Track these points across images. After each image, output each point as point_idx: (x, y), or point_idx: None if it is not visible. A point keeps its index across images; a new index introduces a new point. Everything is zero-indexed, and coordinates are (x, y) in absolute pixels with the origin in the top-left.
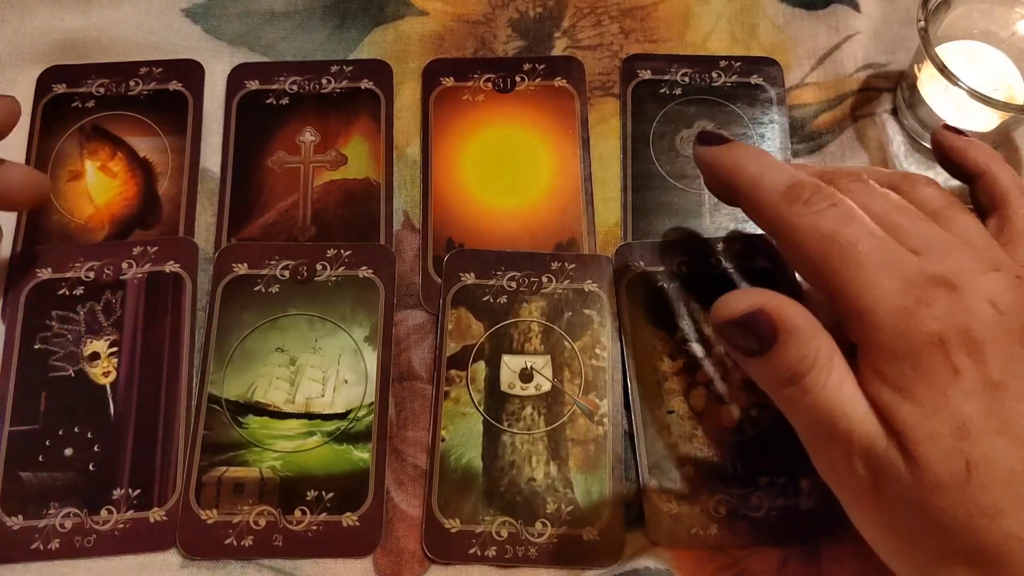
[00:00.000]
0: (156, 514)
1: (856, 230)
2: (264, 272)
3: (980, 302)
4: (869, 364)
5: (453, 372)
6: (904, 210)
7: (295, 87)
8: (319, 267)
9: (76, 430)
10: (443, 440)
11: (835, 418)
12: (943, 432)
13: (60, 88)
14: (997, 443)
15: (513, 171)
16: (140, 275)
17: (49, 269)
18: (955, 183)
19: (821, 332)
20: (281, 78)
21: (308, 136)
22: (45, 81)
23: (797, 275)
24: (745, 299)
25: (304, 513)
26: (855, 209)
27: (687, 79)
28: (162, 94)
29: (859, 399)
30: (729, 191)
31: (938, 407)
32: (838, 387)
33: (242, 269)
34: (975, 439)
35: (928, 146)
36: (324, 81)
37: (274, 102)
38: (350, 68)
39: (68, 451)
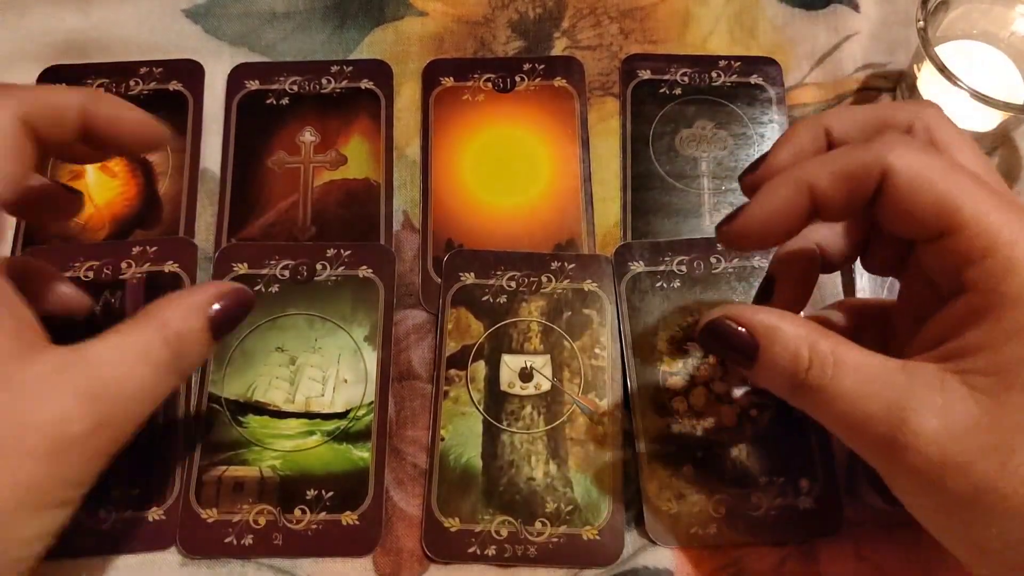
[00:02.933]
0: (155, 513)
1: (966, 170)
2: (264, 272)
3: None
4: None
5: (453, 372)
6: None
7: (295, 87)
8: (319, 267)
9: None
10: (443, 439)
11: (860, 409)
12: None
13: None
14: None
15: (513, 171)
16: (139, 275)
17: None
18: None
19: (807, 325)
20: (281, 78)
21: (308, 136)
22: (45, 81)
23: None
24: (715, 311)
25: (304, 512)
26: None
27: (687, 79)
28: (162, 94)
29: (884, 380)
30: (803, 205)
31: None
32: (853, 374)
33: (242, 269)
34: None
35: None
36: (324, 81)
37: (274, 102)
38: (350, 68)
39: None
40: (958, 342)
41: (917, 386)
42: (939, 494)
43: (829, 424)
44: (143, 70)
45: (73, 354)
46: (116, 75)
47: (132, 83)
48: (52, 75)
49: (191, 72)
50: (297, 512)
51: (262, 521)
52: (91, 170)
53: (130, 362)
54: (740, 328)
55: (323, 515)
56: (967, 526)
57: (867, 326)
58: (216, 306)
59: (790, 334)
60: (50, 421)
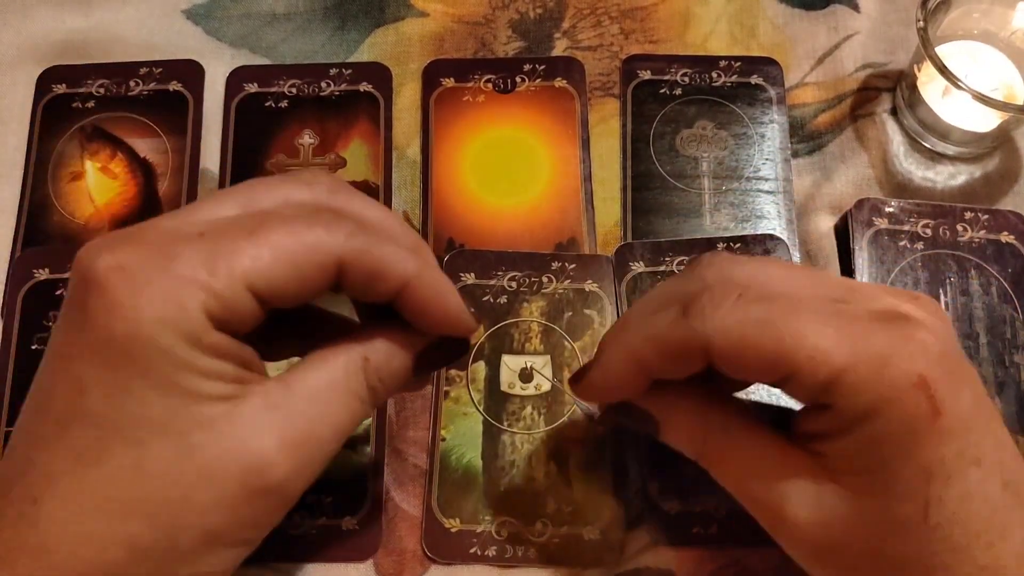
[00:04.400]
0: None
1: (786, 303)
2: None
3: (931, 331)
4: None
5: (453, 372)
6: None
7: (294, 90)
8: None
9: None
10: (443, 440)
11: (747, 487)
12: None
13: (60, 88)
14: (972, 475)
15: (513, 171)
16: None
17: (47, 270)
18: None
19: (701, 401)
20: (280, 81)
21: (307, 139)
22: (45, 81)
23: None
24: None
25: (303, 518)
26: (759, 287)
27: (687, 79)
28: (162, 95)
29: (767, 465)
30: (640, 374)
31: (909, 456)
32: (741, 454)
33: None
34: (948, 479)
35: (927, 145)
36: (323, 84)
37: (273, 105)
38: (349, 71)
39: None
40: (825, 444)
41: (794, 476)
42: (819, 569)
43: (728, 490)
44: (143, 70)
45: (281, 390)
46: (116, 76)
47: (132, 83)
48: (52, 75)
49: (191, 73)
50: (296, 517)
51: None
52: (91, 170)
53: (336, 400)
54: (642, 407)
55: (322, 520)
56: None
57: None
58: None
59: (684, 414)
60: (250, 469)
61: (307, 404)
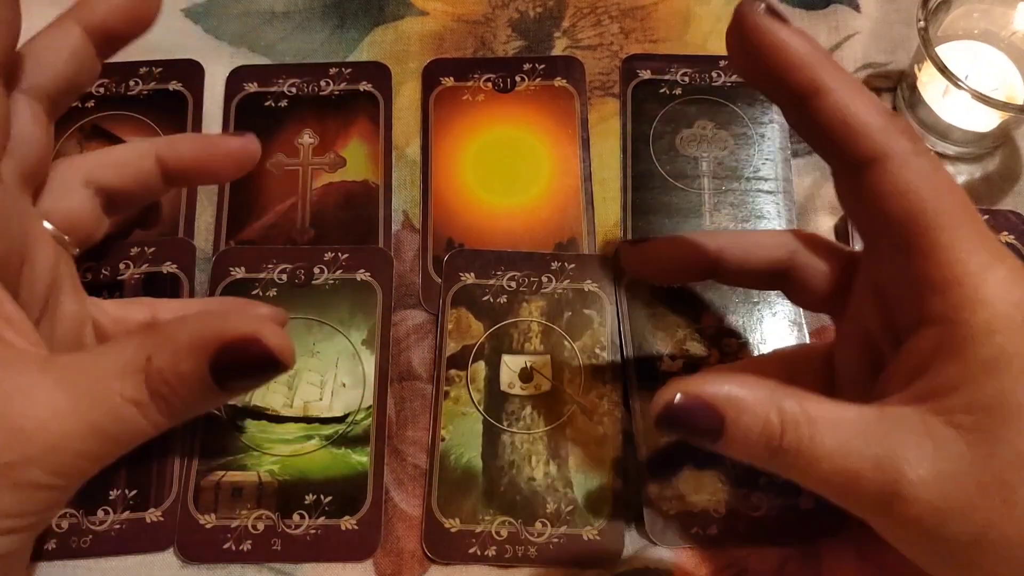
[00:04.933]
0: (153, 515)
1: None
2: (262, 276)
3: None
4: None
5: (453, 372)
6: None
7: (293, 89)
8: (316, 270)
9: None
10: (443, 440)
11: (846, 467)
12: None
13: None
14: None
15: (513, 171)
16: (137, 275)
17: None
18: None
19: (768, 385)
20: (280, 80)
21: (307, 138)
22: None
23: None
24: (668, 391)
25: (302, 517)
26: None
27: (687, 79)
28: (162, 94)
29: (867, 433)
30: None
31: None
32: (832, 431)
33: (240, 273)
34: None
35: (928, 146)
36: (323, 83)
37: (272, 104)
38: (349, 70)
39: None
40: (929, 381)
41: (902, 434)
42: (940, 540)
43: (813, 486)
44: (143, 70)
45: (47, 367)
46: (115, 75)
47: (132, 83)
48: None
49: (191, 72)
50: (296, 517)
51: (260, 526)
52: None
53: (102, 400)
54: (701, 407)
55: (322, 520)
56: (970, 568)
57: (801, 373)
58: (216, 351)
59: (754, 400)
60: None
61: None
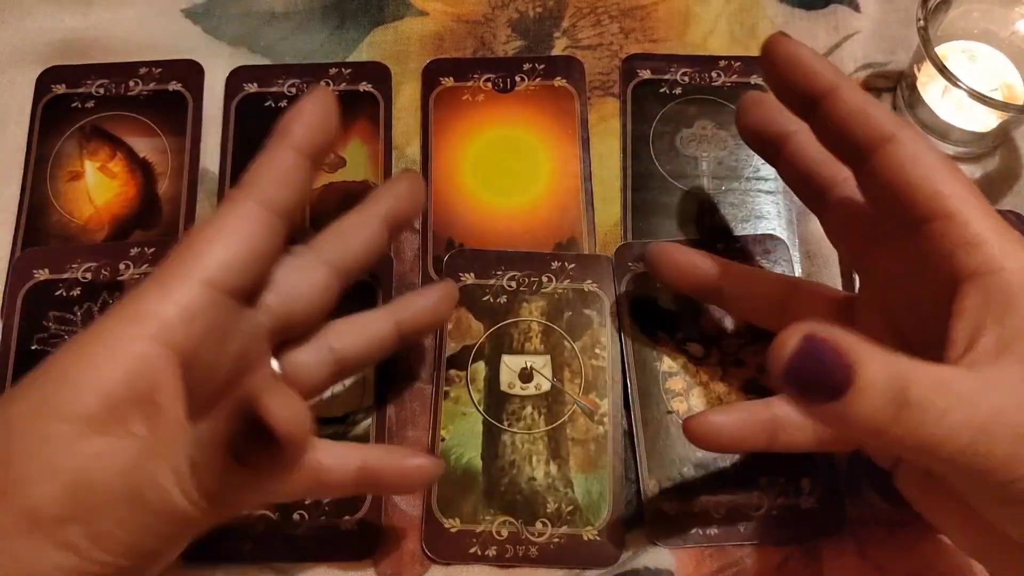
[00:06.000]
0: None
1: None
2: None
3: None
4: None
5: (453, 372)
6: None
7: (294, 90)
8: None
9: None
10: (443, 440)
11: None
12: None
13: (60, 88)
14: None
15: (513, 171)
16: (137, 276)
17: (46, 270)
18: None
19: (890, 353)
20: (280, 81)
21: None
22: (45, 81)
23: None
24: (790, 338)
25: (303, 517)
26: None
27: (687, 79)
28: (162, 94)
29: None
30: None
31: None
32: (956, 400)
33: None
34: None
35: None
36: (323, 84)
37: (272, 105)
38: (348, 71)
39: None
40: (1000, 333)
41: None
42: None
43: (938, 455)
44: (143, 70)
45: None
46: (116, 75)
47: (132, 83)
48: (52, 75)
49: (191, 72)
50: (296, 517)
51: (261, 527)
52: (91, 170)
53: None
54: (831, 353)
55: (322, 520)
56: None
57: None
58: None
59: (884, 364)
60: None
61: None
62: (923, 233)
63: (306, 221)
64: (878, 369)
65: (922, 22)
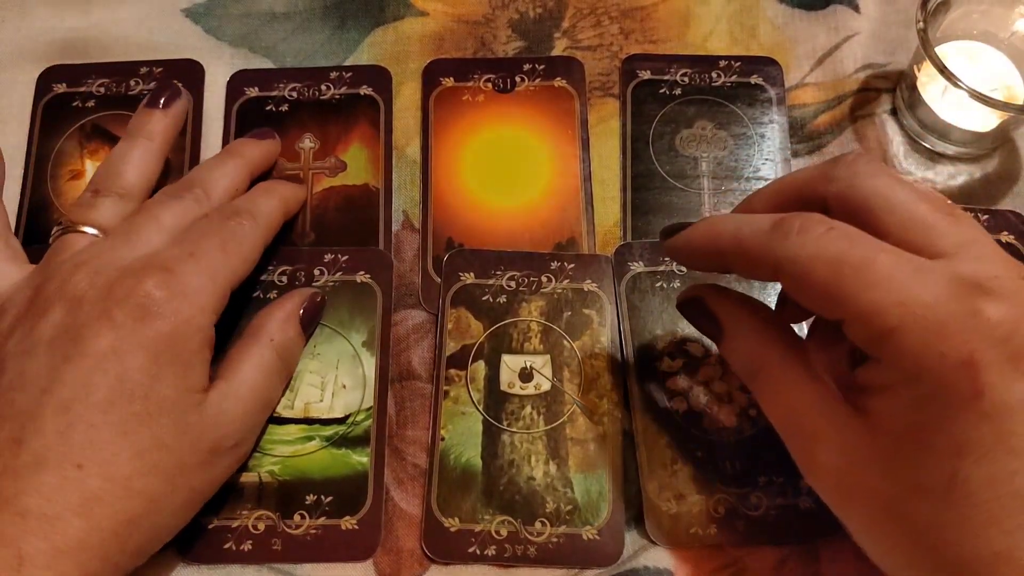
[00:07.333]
0: None
1: (865, 248)
2: (263, 278)
3: (1007, 310)
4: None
5: (452, 372)
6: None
7: (294, 93)
8: (316, 272)
9: None
10: (443, 439)
11: (798, 417)
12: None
13: (60, 88)
14: (1003, 461)
15: (513, 171)
16: None
17: None
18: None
19: (771, 328)
20: (280, 84)
21: (307, 143)
22: (45, 81)
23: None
24: (695, 289)
25: (303, 517)
26: (851, 228)
27: (687, 79)
28: None
29: (829, 402)
30: (716, 259)
31: (941, 428)
32: (798, 386)
33: None
34: (978, 459)
35: (927, 146)
36: (323, 87)
37: (273, 109)
38: (349, 74)
39: None
40: (872, 399)
41: (832, 424)
42: (841, 511)
43: (768, 417)
44: (143, 70)
45: (224, 385)
46: (116, 75)
47: (132, 83)
48: (52, 75)
49: (191, 72)
50: (296, 517)
51: (261, 527)
52: (91, 169)
53: (263, 381)
54: (712, 310)
55: (322, 520)
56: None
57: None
58: (301, 311)
59: (748, 334)
60: (217, 441)
61: (246, 389)
62: (844, 326)
63: (306, 224)
64: (737, 345)
65: (922, 23)
